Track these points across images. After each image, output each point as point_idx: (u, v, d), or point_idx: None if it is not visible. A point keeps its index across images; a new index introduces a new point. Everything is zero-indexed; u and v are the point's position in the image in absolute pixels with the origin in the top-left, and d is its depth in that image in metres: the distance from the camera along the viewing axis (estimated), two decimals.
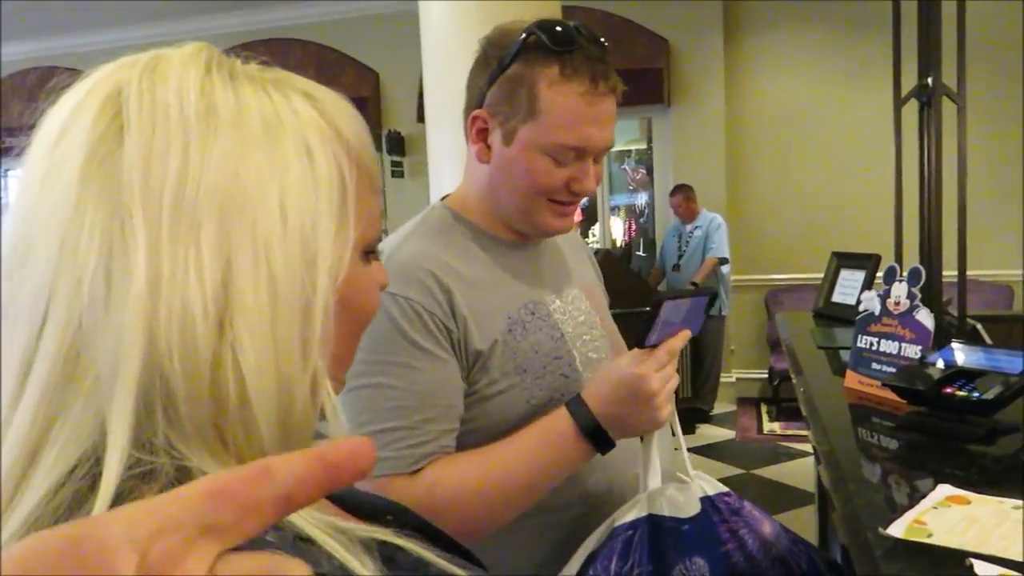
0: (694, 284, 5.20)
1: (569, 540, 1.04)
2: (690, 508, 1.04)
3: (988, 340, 1.97)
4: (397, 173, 6.54)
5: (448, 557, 0.56)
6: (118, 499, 0.39)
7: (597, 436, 0.96)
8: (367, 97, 6.51)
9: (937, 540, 0.95)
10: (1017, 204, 5.45)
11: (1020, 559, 0.87)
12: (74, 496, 0.39)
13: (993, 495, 1.12)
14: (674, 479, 1.07)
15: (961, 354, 1.57)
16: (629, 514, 1.01)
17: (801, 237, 5.65)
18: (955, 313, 2.07)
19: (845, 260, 2.94)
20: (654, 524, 1.01)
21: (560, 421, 0.97)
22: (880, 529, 0.99)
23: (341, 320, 0.49)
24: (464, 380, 1.01)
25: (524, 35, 1.00)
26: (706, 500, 1.06)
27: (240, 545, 0.24)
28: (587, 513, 1.07)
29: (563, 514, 1.07)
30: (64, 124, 0.45)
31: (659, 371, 0.97)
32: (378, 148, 6.60)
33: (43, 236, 0.42)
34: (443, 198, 1.15)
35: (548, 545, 1.06)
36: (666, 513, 1.03)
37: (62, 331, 0.41)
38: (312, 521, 0.43)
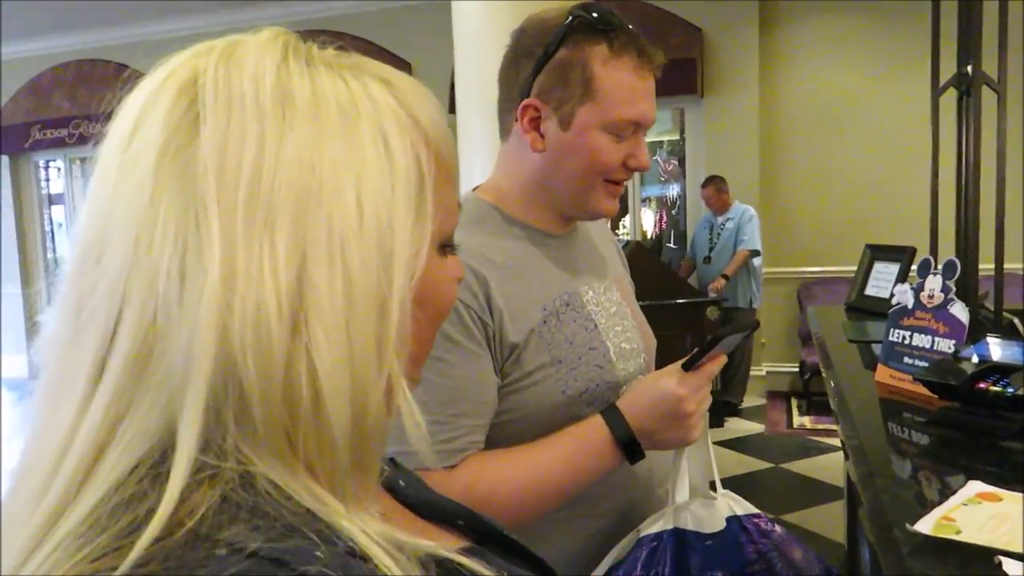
0: (725, 277, 5.15)
1: (597, 548, 1.06)
2: (714, 525, 1.06)
3: None
4: None
5: (513, 566, 0.56)
6: (181, 502, 0.39)
7: (630, 447, 0.99)
8: None
9: (965, 537, 0.94)
10: None
11: None
12: (134, 494, 0.39)
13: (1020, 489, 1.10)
14: (703, 496, 1.09)
15: (996, 349, 1.54)
16: (655, 526, 1.03)
17: (834, 229, 5.57)
18: (991, 307, 2.03)
19: (879, 253, 2.90)
20: (678, 537, 1.03)
21: (596, 430, 0.99)
22: (908, 525, 0.98)
23: (417, 317, 0.47)
24: (498, 373, 1.00)
25: (570, 18, 1.01)
26: (733, 519, 1.07)
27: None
28: (619, 523, 1.09)
29: (595, 522, 1.08)
30: (139, 114, 0.44)
31: (698, 393, 0.99)
32: None
33: (118, 232, 0.42)
34: (474, 189, 1.16)
35: (577, 552, 1.07)
36: (690, 527, 1.04)
37: (136, 329, 0.41)
38: (374, 536, 0.41)
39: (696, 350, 1.00)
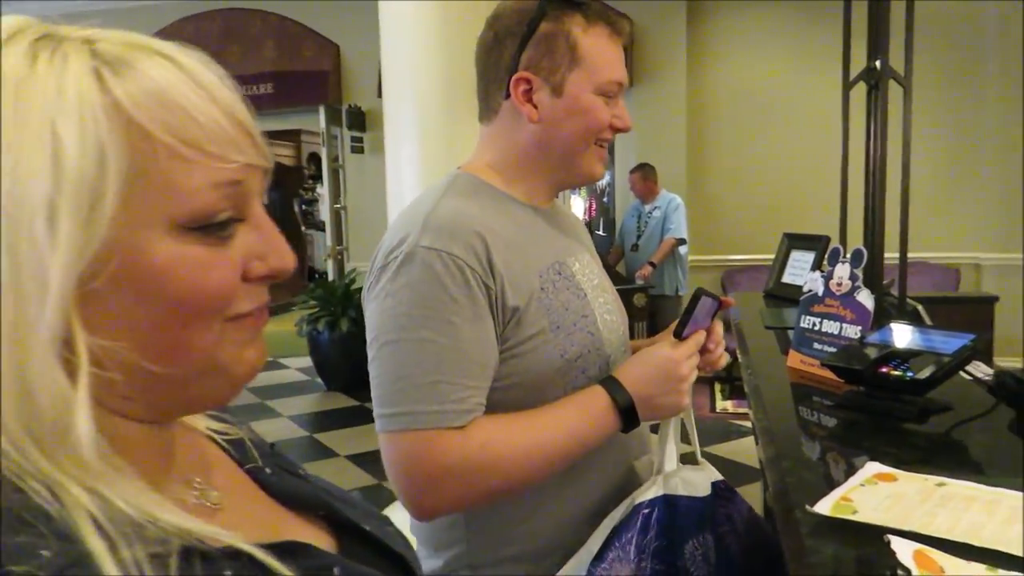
0: (652, 264, 5.23)
1: (583, 519, 1.11)
2: (703, 489, 1.15)
3: (928, 321, 2.01)
4: (357, 149, 6.47)
5: (373, 560, 0.56)
6: None
7: (628, 413, 1.04)
8: (327, 71, 6.42)
9: (861, 517, 0.97)
10: (965, 188, 5.59)
11: (938, 535, 0.90)
12: None
13: (921, 472, 1.15)
14: (688, 463, 1.18)
15: (898, 335, 1.60)
16: (648, 493, 1.09)
17: (758, 218, 5.72)
18: (896, 294, 2.11)
19: (796, 241, 2.98)
20: (669, 503, 1.10)
21: (597, 396, 1.04)
22: (807, 506, 1.01)
23: (125, 303, 0.46)
24: (499, 337, 1.03)
25: None
26: (716, 484, 1.18)
27: None
28: (603, 495, 1.14)
29: (580, 494, 1.13)
30: None
31: (689, 359, 1.08)
32: (338, 123, 6.51)
33: None
34: (459, 168, 1.19)
35: (565, 523, 1.11)
36: (681, 492, 1.13)
37: None
38: (109, 529, 0.41)
39: (683, 313, 1.08)
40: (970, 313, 4.06)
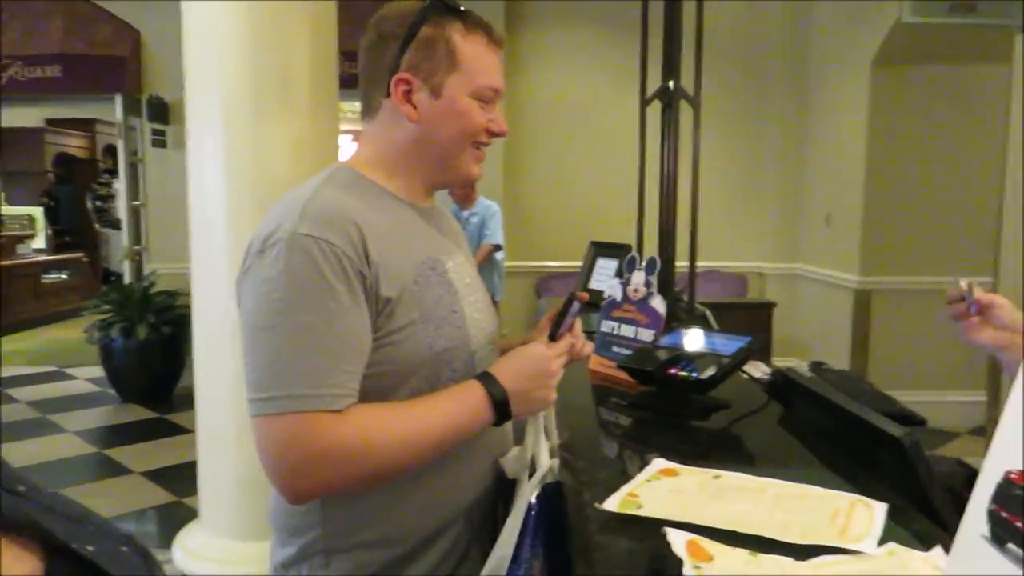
0: None
1: (450, 505, 1.14)
2: None
3: (715, 325, 2.17)
4: (159, 142, 6.04)
5: None
6: None
7: (501, 406, 1.07)
8: (125, 57, 5.95)
9: (645, 511, 1.03)
10: (752, 202, 6.12)
11: (710, 524, 0.96)
12: None
13: (701, 466, 1.23)
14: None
15: (687, 338, 1.72)
16: (536, 490, 1.12)
17: (571, 225, 5.94)
18: (687, 300, 2.26)
19: (602, 249, 3.12)
20: (552, 492, 1.15)
21: (474, 390, 1.07)
22: (596, 504, 1.05)
23: None
24: (372, 326, 1.04)
25: (427, 1, 1.11)
26: None
27: None
28: (468, 483, 1.17)
29: (450, 481, 1.14)
30: None
31: (559, 357, 1.13)
32: (137, 114, 6.06)
33: None
34: (339, 163, 1.20)
35: (429, 508, 1.12)
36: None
37: None
38: None
39: (557, 315, 1.15)
40: (752, 317, 4.45)
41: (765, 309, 4.75)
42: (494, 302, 5.44)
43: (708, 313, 2.14)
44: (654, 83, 2.21)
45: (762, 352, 4.30)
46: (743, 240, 6.14)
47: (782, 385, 1.69)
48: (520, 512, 1.08)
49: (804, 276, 5.92)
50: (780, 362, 5.44)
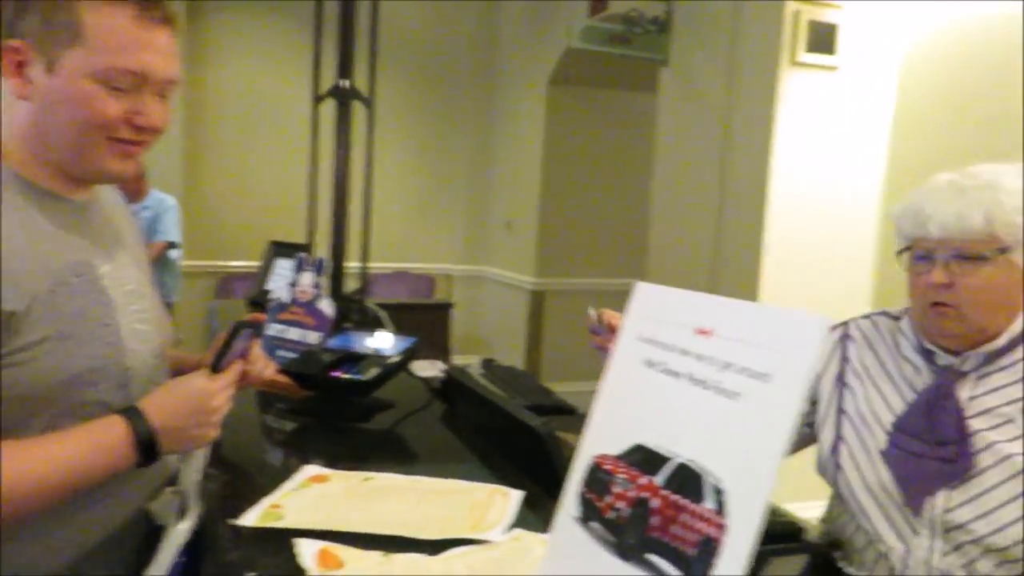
0: None
1: (87, 548, 0.99)
2: None
3: (390, 326, 2.18)
4: None
5: None
6: None
7: (148, 447, 0.94)
8: None
9: (286, 522, 0.98)
10: (441, 204, 6.33)
11: (350, 529, 0.95)
12: None
13: (360, 469, 1.21)
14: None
15: (355, 340, 1.70)
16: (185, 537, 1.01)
17: (255, 224, 5.67)
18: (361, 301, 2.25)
19: (281, 249, 3.01)
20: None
21: (115, 428, 0.92)
22: (231, 520, 0.99)
23: None
24: None
25: None
26: None
27: None
28: (113, 525, 1.02)
29: (85, 524, 0.99)
30: None
31: (224, 391, 1.01)
32: None
33: None
34: None
35: (58, 551, 0.96)
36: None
37: None
38: None
39: (223, 345, 1.02)
40: (431, 317, 4.59)
41: (443, 309, 4.92)
42: (168, 305, 5.02)
43: (382, 314, 2.14)
44: (332, 81, 2.16)
45: (440, 351, 4.45)
46: (433, 242, 6.32)
47: (445, 384, 1.74)
48: (164, 564, 0.97)
49: (488, 278, 6.25)
50: (462, 360, 5.69)
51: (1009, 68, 2.82)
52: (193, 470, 1.06)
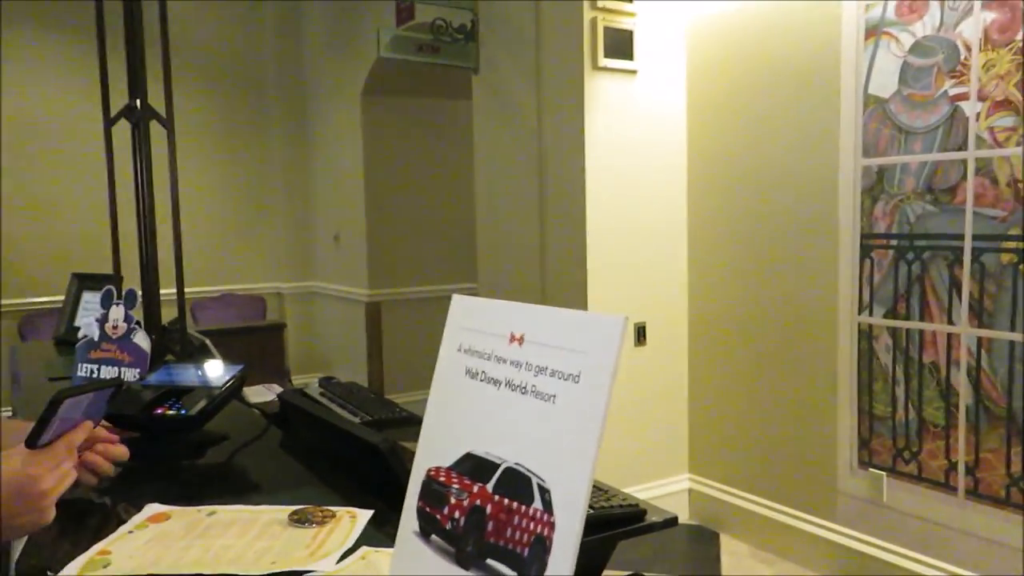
0: None
1: None
2: None
3: (215, 354, 2.09)
4: None
5: None
6: None
7: None
8: None
9: (114, 569, 0.93)
10: (263, 223, 6.12)
11: (184, 571, 0.91)
12: None
13: (195, 505, 1.17)
14: None
15: (175, 373, 1.62)
16: None
17: (58, 256, 5.24)
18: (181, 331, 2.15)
19: (88, 282, 2.81)
20: None
21: None
22: (49, 572, 0.93)
23: None
24: None
25: None
26: None
27: None
28: None
29: None
30: None
31: (54, 470, 0.92)
32: None
33: None
34: None
35: None
36: None
37: None
38: None
39: (38, 421, 0.92)
40: (265, 340, 4.45)
41: (277, 330, 4.78)
42: None
43: (207, 342, 2.05)
44: (123, 99, 2.04)
45: (276, 373, 4.32)
46: (258, 262, 6.11)
47: (281, 408, 1.70)
48: None
49: (320, 293, 6.12)
50: (302, 380, 5.54)
51: (778, 62, 3.13)
52: (22, 543, 0.99)
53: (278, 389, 2.01)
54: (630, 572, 1.29)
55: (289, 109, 6.07)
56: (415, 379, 5.26)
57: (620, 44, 3.32)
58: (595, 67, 3.29)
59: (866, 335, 2.91)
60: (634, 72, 3.39)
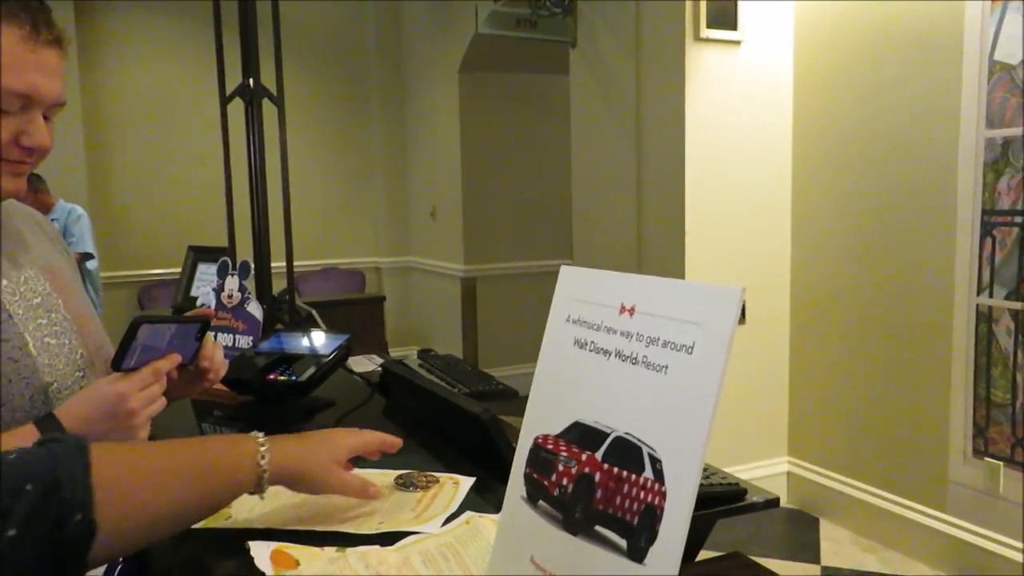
0: None
1: None
2: None
3: (322, 324, 2.17)
4: None
5: None
6: None
7: None
8: None
9: (233, 523, 0.99)
10: (363, 199, 6.27)
11: (297, 528, 0.96)
12: None
13: None
14: None
15: (285, 341, 1.69)
16: None
17: (171, 230, 5.53)
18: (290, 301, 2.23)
19: (202, 254, 2.95)
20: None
21: (27, 437, 0.87)
22: None
23: None
24: None
25: None
26: None
27: None
28: None
29: None
30: None
31: (142, 391, 0.99)
32: None
33: None
34: None
35: None
36: None
37: None
38: None
39: (120, 345, 1.00)
40: (365, 312, 4.57)
41: (376, 303, 4.90)
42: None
43: (314, 313, 2.13)
44: (238, 79, 2.12)
45: (376, 345, 4.44)
46: (358, 237, 6.27)
47: (383, 377, 1.75)
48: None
49: (416, 268, 6.24)
50: (399, 352, 5.68)
51: (894, 29, 2.97)
52: None
53: (378, 360, 2.07)
54: (730, 551, 1.26)
55: (388, 87, 6.18)
56: (509, 354, 5.31)
57: (723, 14, 3.23)
58: (697, 38, 3.20)
59: (985, 317, 2.76)
60: (738, 43, 3.29)
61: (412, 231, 6.30)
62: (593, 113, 3.84)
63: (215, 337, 1.75)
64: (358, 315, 4.36)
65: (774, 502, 1.39)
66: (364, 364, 2.06)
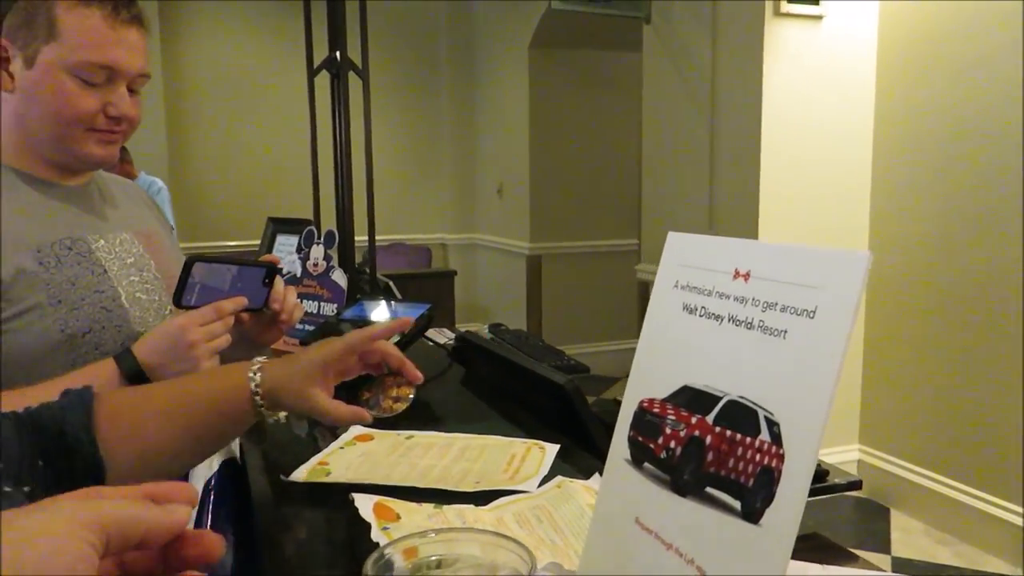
0: None
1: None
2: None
3: (398, 295, 2.21)
4: None
5: None
6: None
7: (137, 382, 1.01)
8: None
9: (333, 478, 1.03)
10: (430, 175, 6.32)
11: (396, 483, 0.99)
12: None
13: (390, 430, 1.26)
14: None
15: (369, 309, 1.73)
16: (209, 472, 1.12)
17: (246, 202, 5.67)
18: (369, 272, 2.28)
19: (281, 225, 3.01)
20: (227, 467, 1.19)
21: (106, 366, 1.01)
22: (282, 476, 1.03)
23: None
24: None
25: None
26: None
27: None
28: None
29: None
30: None
31: (203, 326, 1.05)
32: None
33: None
34: None
35: None
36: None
37: None
38: None
39: (178, 283, 1.08)
40: (434, 286, 4.63)
41: (447, 278, 4.95)
42: None
43: (391, 284, 2.17)
44: (322, 53, 2.16)
45: (446, 319, 4.49)
46: (424, 213, 6.33)
47: (463, 348, 1.78)
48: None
49: (482, 245, 6.27)
50: (463, 327, 5.74)
51: (987, 3, 2.85)
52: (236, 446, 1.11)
53: (450, 334, 2.10)
54: (808, 532, 1.26)
55: (458, 62, 6.20)
56: (574, 332, 5.32)
57: None
58: (777, 13, 3.13)
59: None
60: (819, 17, 3.20)
61: (478, 208, 6.33)
62: (666, 91, 3.79)
63: (302, 304, 1.80)
64: (429, 289, 4.42)
65: (856, 484, 1.37)
66: (436, 336, 2.09)
